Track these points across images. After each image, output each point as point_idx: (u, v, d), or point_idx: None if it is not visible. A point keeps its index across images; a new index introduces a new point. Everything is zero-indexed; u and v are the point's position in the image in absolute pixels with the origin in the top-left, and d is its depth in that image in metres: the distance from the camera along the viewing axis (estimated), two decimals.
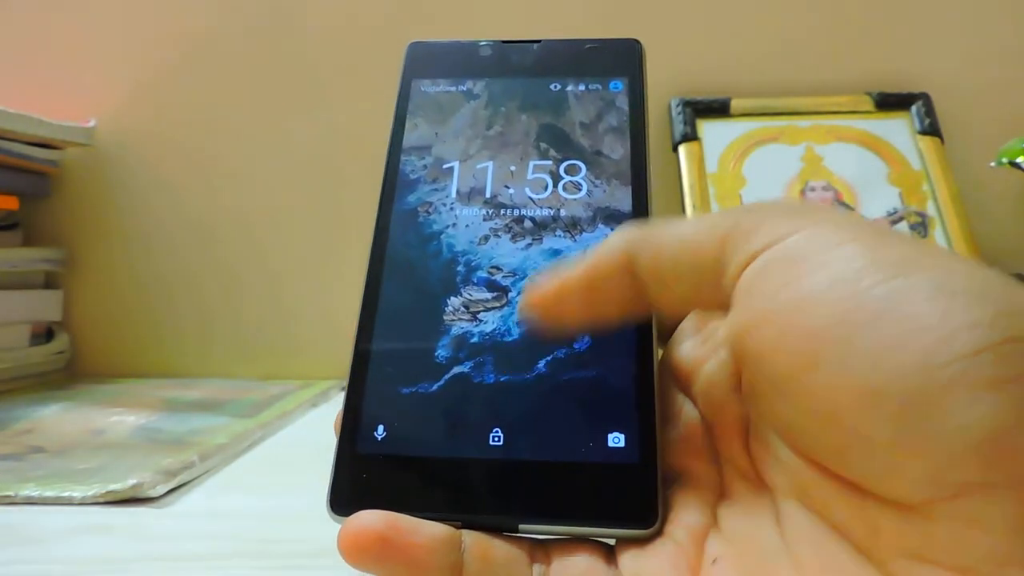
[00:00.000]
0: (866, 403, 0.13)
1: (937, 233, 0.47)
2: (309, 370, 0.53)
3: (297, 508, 0.28)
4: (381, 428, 0.19)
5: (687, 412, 0.20)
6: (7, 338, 0.49)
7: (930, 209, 0.48)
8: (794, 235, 0.16)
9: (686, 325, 0.22)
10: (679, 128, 0.51)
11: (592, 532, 0.18)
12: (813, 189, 0.49)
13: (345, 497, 0.18)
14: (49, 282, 0.54)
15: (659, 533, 0.18)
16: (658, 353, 0.21)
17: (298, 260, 0.54)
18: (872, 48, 0.53)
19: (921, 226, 0.48)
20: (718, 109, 0.52)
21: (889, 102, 0.51)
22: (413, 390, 0.20)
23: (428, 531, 0.17)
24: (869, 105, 0.51)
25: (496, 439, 0.19)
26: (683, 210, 0.49)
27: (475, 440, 0.19)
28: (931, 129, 0.50)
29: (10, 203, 0.50)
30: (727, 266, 0.17)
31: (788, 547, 0.16)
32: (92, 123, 0.54)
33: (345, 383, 0.20)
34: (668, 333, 0.23)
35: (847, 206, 0.49)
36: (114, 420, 0.40)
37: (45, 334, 0.53)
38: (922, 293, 0.13)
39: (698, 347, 0.21)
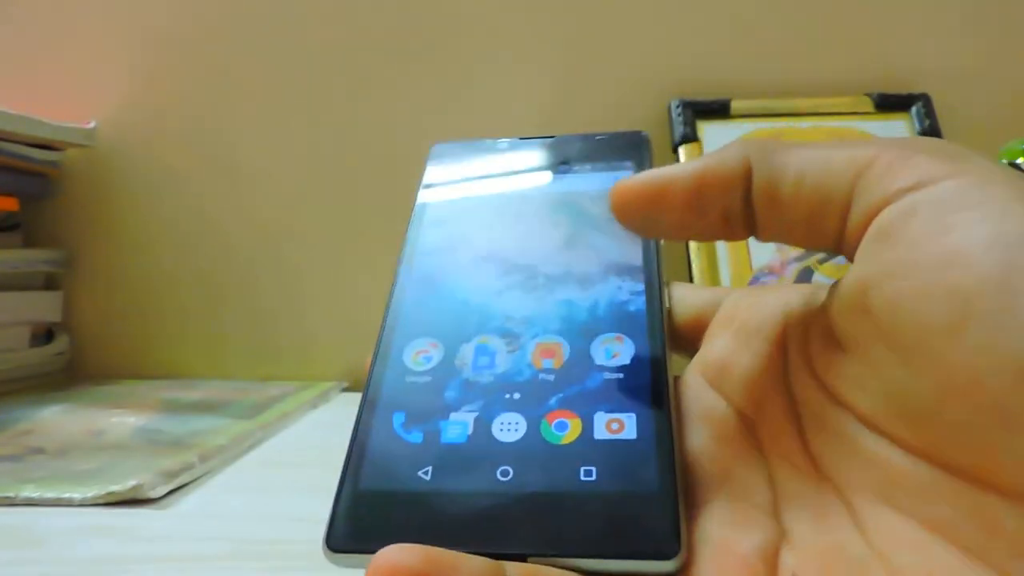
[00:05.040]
0: (1012, 379, 0.12)
1: None
2: (309, 371, 0.53)
3: (297, 509, 0.28)
4: (384, 464, 0.19)
5: (722, 411, 0.19)
6: (7, 339, 0.49)
7: None
8: (949, 180, 0.14)
9: (714, 325, 0.21)
10: (679, 129, 0.51)
11: (609, 566, 0.16)
12: None
13: (343, 535, 0.17)
14: (49, 283, 0.54)
15: (683, 564, 0.16)
16: (672, 376, 0.20)
17: (299, 261, 0.54)
18: (872, 49, 0.53)
19: None
20: (718, 110, 0.52)
21: (889, 103, 0.51)
22: (420, 429, 0.19)
23: (469, 566, 0.15)
24: (869, 106, 0.51)
25: (504, 473, 0.18)
26: None
27: (482, 475, 0.18)
28: (931, 130, 0.50)
29: (10, 204, 0.50)
30: (859, 201, 0.15)
31: (880, 553, 0.14)
32: (92, 124, 0.54)
33: (348, 388, 0.20)
34: (688, 346, 0.22)
35: None
36: (114, 421, 0.40)
37: (45, 335, 0.53)
38: None
39: (729, 342, 0.20)
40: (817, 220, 0.16)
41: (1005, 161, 0.43)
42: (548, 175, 0.27)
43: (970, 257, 0.13)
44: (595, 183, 0.26)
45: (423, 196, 0.26)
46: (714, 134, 0.51)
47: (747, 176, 0.17)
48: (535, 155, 0.27)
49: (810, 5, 0.53)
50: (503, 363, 0.21)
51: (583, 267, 0.23)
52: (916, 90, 0.52)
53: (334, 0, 0.54)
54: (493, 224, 0.25)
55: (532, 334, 0.21)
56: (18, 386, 0.49)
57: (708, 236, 0.18)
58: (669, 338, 0.21)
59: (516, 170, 0.27)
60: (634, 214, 0.18)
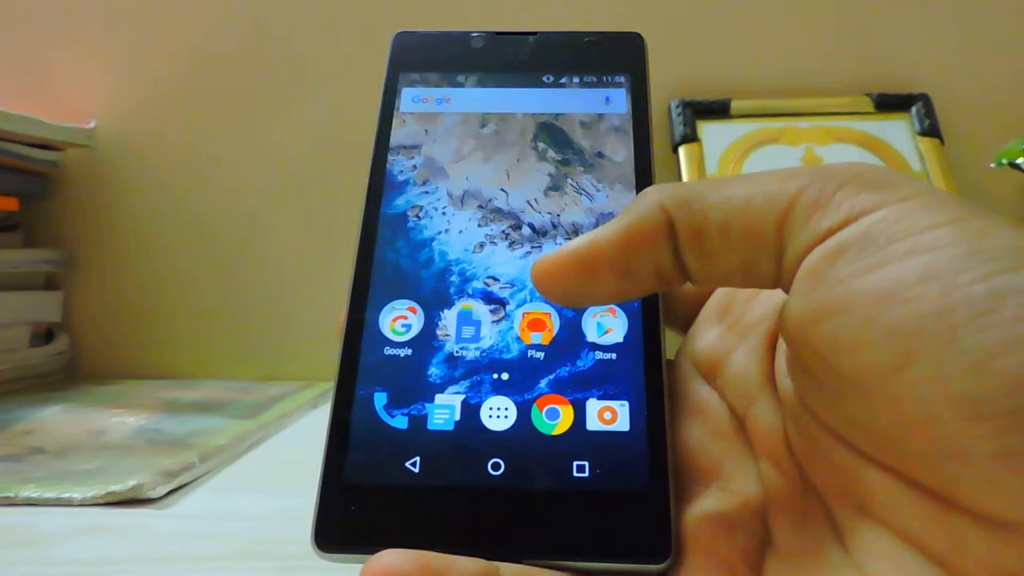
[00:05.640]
0: (965, 413, 0.12)
1: None
2: (309, 371, 0.53)
3: (297, 509, 0.27)
4: (370, 454, 0.18)
5: (715, 405, 0.19)
6: (7, 339, 0.49)
7: None
8: (877, 211, 0.14)
9: (708, 311, 0.20)
10: (679, 129, 0.51)
11: (600, 568, 0.16)
12: None
13: (333, 532, 0.17)
14: (49, 283, 0.54)
15: (675, 566, 0.16)
16: (667, 372, 0.19)
17: (298, 260, 0.54)
18: (872, 49, 0.53)
19: None
20: (718, 110, 0.52)
21: (889, 103, 0.51)
22: (405, 413, 0.18)
23: (463, 568, 0.15)
24: (869, 106, 0.51)
25: (495, 467, 0.18)
26: None
27: (473, 468, 0.18)
28: (931, 130, 0.50)
29: (10, 204, 0.50)
30: (790, 241, 0.15)
31: (856, 563, 0.14)
32: (92, 124, 0.54)
33: (331, 401, 0.19)
34: (683, 323, 0.21)
35: None
36: (114, 421, 0.40)
37: (45, 335, 0.53)
38: None
39: (723, 335, 0.19)
40: (751, 266, 0.16)
41: (1005, 161, 0.43)
42: (531, 88, 0.24)
43: (905, 293, 0.13)
44: (584, 102, 0.23)
45: (387, 107, 0.23)
46: (714, 134, 0.51)
47: (670, 230, 0.16)
48: (515, 59, 0.24)
49: (810, 5, 0.53)
50: (489, 335, 0.20)
51: (570, 217, 0.21)
52: (916, 90, 0.52)
53: (330, 9, 0.54)
54: (468, 152, 0.22)
55: (519, 301, 0.20)
56: (18, 386, 0.49)
57: (643, 294, 0.17)
58: (664, 312, 0.20)
59: (494, 79, 0.24)
60: (563, 291, 0.17)
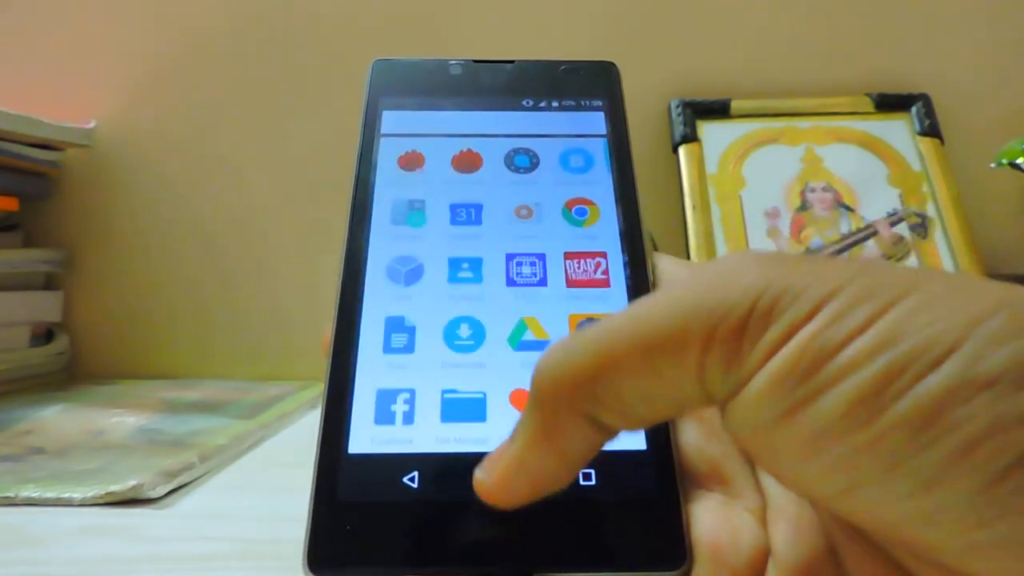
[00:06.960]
0: (922, 521, 0.12)
1: (937, 234, 0.47)
2: (309, 371, 0.53)
3: (297, 509, 0.28)
4: (366, 470, 0.17)
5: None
6: (7, 339, 0.49)
7: (930, 210, 0.48)
8: (785, 346, 0.13)
9: None
10: (679, 129, 0.51)
11: None
12: (813, 190, 0.49)
13: (327, 553, 0.16)
14: (49, 283, 0.54)
15: (689, 572, 0.16)
16: None
17: (298, 261, 0.54)
18: (872, 49, 0.53)
19: (921, 227, 0.48)
20: (718, 110, 0.52)
21: (889, 103, 0.51)
22: (401, 426, 0.18)
23: None
24: (869, 106, 0.51)
25: None
26: (683, 211, 0.49)
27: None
28: (931, 130, 0.50)
29: (10, 204, 0.50)
30: (713, 392, 0.14)
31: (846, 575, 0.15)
32: (92, 124, 0.54)
33: (321, 419, 0.18)
34: None
35: (848, 207, 0.49)
36: (114, 421, 0.40)
37: (45, 335, 0.53)
38: (959, 392, 0.11)
39: None
40: (685, 412, 0.16)
41: (1005, 161, 0.43)
42: (511, 112, 0.24)
43: (832, 430, 0.12)
44: (564, 125, 0.24)
45: (368, 136, 0.23)
46: (714, 134, 0.51)
47: (587, 417, 0.15)
48: (494, 84, 0.24)
49: (810, 5, 0.53)
50: (484, 350, 0.20)
51: (559, 236, 0.22)
52: (916, 90, 0.52)
53: (330, 8, 0.54)
54: (449, 179, 0.23)
55: (512, 317, 0.20)
56: (18, 386, 0.49)
57: (589, 459, 0.16)
58: None
59: (474, 102, 0.24)
60: (513, 499, 0.15)
